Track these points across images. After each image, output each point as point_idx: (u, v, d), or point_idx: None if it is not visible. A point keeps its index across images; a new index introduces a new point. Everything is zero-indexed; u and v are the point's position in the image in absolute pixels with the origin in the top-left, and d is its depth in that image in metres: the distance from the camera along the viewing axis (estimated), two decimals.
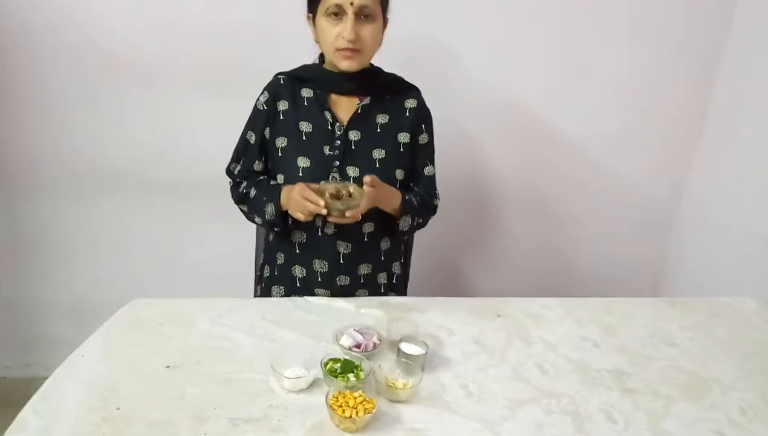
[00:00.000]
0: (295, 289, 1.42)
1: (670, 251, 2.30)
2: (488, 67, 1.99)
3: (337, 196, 1.20)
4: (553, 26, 1.96)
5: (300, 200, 1.22)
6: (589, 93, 2.06)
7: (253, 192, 1.40)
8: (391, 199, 1.35)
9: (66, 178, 1.98)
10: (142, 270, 2.13)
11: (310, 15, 1.34)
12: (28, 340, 2.18)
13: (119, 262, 2.11)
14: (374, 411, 0.96)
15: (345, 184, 1.24)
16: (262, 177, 1.43)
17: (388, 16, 1.36)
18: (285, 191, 1.31)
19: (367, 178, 1.23)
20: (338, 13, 1.26)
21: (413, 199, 1.41)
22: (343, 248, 1.38)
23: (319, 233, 1.38)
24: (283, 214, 1.34)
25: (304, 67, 1.44)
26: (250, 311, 1.29)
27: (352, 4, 1.24)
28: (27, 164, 1.96)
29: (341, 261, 1.39)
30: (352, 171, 1.35)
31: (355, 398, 0.98)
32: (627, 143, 2.14)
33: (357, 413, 0.94)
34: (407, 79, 1.47)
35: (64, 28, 1.81)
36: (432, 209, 1.48)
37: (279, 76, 1.43)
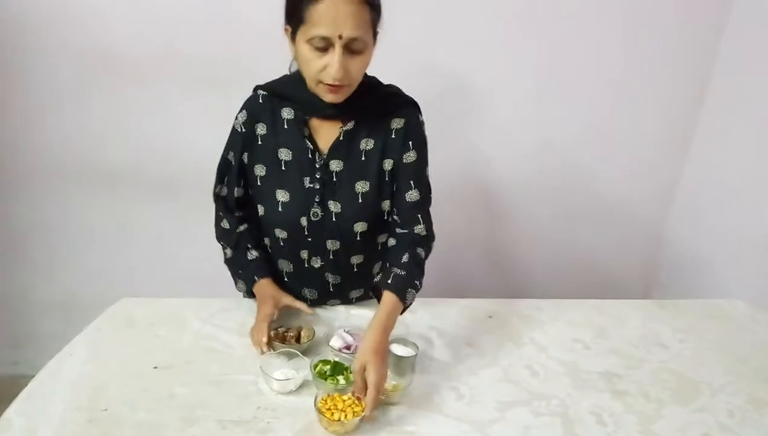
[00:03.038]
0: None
1: (662, 252, 2.31)
2: (483, 70, 1.98)
3: (282, 339, 1.16)
4: (546, 29, 1.96)
5: (253, 332, 1.17)
6: (582, 94, 2.06)
7: (229, 253, 1.33)
8: (391, 325, 1.11)
9: (58, 174, 1.97)
10: (133, 267, 2.12)
11: (288, 28, 1.12)
12: (16, 337, 2.16)
13: (110, 259, 2.10)
14: (363, 414, 0.95)
15: (296, 329, 1.19)
16: (241, 228, 1.32)
17: (378, 30, 1.19)
18: (257, 292, 1.26)
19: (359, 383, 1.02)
20: (324, 47, 1.07)
21: (409, 282, 1.16)
22: (332, 278, 1.31)
23: (306, 266, 1.30)
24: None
25: (286, 82, 1.28)
26: (241, 312, 1.28)
27: (340, 37, 1.04)
28: (18, 159, 1.94)
29: (331, 290, 1.33)
30: (333, 206, 1.23)
31: (344, 400, 0.97)
32: (619, 145, 2.15)
33: (346, 416, 0.94)
34: (405, 87, 1.32)
35: (58, 22, 1.79)
36: (421, 267, 1.23)
37: (259, 93, 1.28)
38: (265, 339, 1.13)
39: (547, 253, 2.29)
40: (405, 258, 1.18)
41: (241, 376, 1.06)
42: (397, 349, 1.11)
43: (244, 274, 1.30)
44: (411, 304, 1.17)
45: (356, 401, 0.98)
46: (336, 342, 1.13)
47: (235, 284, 1.36)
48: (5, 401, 0.97)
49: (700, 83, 2.08)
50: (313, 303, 1.35)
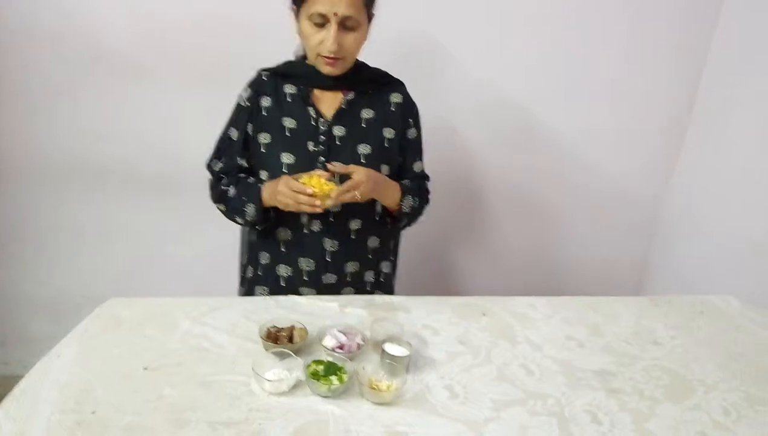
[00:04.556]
0: (279, 289, 1.40)
1: (655, 250, 2.31)
2: (479, 65, 1.98)
3: (275, 339, 1.12)
4: (543, 27, 1.95)
5: (289, 193, 1.20)
6: (577, 94, 2.05)
7: (232, 191, 1.36)
8: (390, 191, 1.34)
9: (48, 172, 1.94)
10: (124, 266, 2.09)
11: (294, 8, 1.31)
12: (5, 336, 2.13)
13: (101, 257, 2.07)
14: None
15: (288, 329, 1.16)
16: (241, 174, 1.40)
17: (374, 11, 1.32)
18: (267, 189, 1.29)
19: (343, 170, 1.24)
20: (322, 23, 1.24)
21: (407, 182, 1.43)
22: (329, 245, 1.36)
23: (305, 231, 1.36)
24: (264, 212, 1.32)
25: (287, 63, 1.42)
26: (232, 311, 1.26)
27: (336, 15, 1.22)
28: (7, 157, 1.91)
29: (328, 259, 1.37)
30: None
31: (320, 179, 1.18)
32: (614, 143, 2.15)
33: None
34: (397, 75, 1.45)
35: (47, 17, 1.75)
36: (426, 194, 1.48)
37: (262, 73, 1.41)
38: (307, 189, 1.18)
39: (541, 250, 2.29)
40: (412, 184, 1.42)
41: (232, 377, 1.04)
42: (391, 348, 1.10)
43: (250, 194, 1.32)
44: (405, 211, 1.38)
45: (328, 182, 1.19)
46: (329, 342, 1.11)
47: (244, 218, 1.34)
48: None
49: (693, 85, 2.09)
50: (309, 278, 1.37)
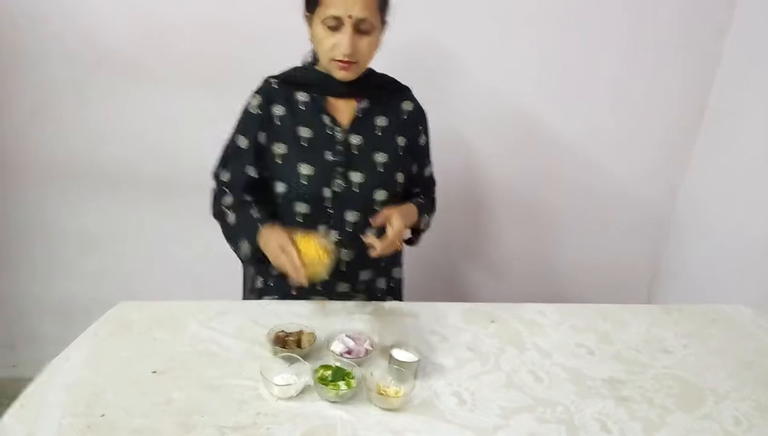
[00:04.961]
0: (290, 298, 1.38)
1: (665, 255, 2.29)
2: (484, 70, 1.97)
3: (283, 344, 1.12)
4: (549, 30, 1.94)
5: (276, 254, 1.15)
6: (584, 97, 2.04)
7: (231, 217, 1.32)
8: (411, 217, 1.36)
9: (55, 174, 1.95)
10: (131, 268, 2.10)
11: (308, 14, 1.30)
12: (13, 338, 2.15)
13: (109, 259, 2.08)
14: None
15: (297, 333, 1.14)
16: (247, 198, 1.35)
17: (388, 18, 1.32)
18: (264, 235, 1.22)
19: (381, 221, 1.24)
20: (336, 26, 1.22)
21: (420, 199, 1.45)
22: (345, 255, 1.34)
23: None
24: (256, 253, 1.26)
25: (297, 70, 1.39)
26: (241, 315, 1.26)
27: (350, 17, 1.20)
28: (15, 159, 1.92)
29: (342, 269, 1.35)
30: (355, 176, 1.32)
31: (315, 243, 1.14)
32: (622, 147, 2.13)
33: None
34: (403, 81, 1.45)
35: (53, 19, 1.77)
36: (434, 204, 1.53)
37: (271, 80, 1.37)
38: (298, 262, 1.11)
39: (548, 255, 2.28)
40: (425, 199, 1.47)
41: (240, 381, 1.04)
42: (399, 354, 1.09)
43: (247, 230, 1.27)
44: (423, 229, 1.46)
45: (325, 249, 1.13)
46: (337, 347, 1.11)
47: (238, 250, 1.31)
48: (4, 403, 0.96)
49: (703, 86, 2.07)
50: (323, 287, 1.36)
